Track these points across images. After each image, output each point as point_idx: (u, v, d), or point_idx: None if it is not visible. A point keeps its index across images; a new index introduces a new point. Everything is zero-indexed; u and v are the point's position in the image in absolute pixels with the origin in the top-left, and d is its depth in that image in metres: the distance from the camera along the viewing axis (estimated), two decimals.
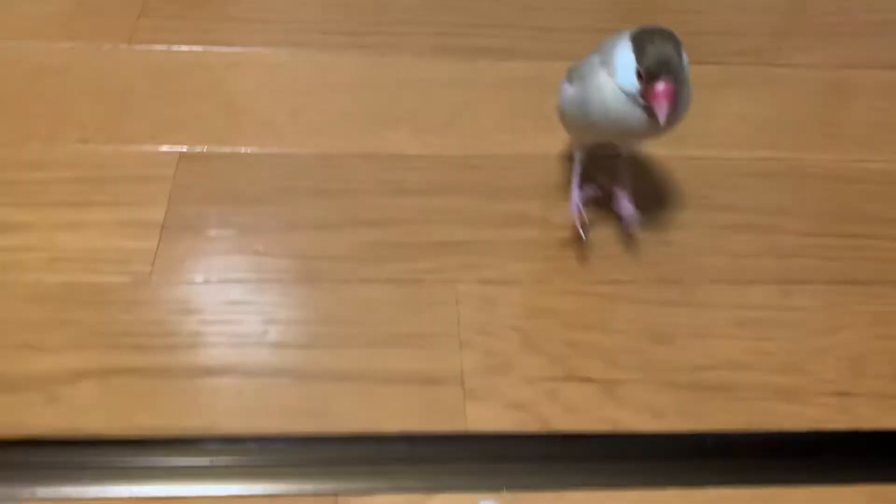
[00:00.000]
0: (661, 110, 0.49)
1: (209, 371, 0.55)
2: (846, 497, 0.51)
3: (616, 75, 0.51)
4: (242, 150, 0.69)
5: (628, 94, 0.51)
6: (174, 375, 0.54)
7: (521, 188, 0.67)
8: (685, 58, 0.50)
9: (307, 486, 0.50)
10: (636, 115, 0.51)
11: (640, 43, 0.50)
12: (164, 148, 0.68)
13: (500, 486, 0.50)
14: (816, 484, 0.52)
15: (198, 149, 0.68)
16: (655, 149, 0.70)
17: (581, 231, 0.60)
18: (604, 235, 0.64)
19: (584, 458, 0.52)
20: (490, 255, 0.62)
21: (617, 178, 0.63)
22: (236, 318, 0.57)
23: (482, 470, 0.51)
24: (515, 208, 0.66)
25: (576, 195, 0.60)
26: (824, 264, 0.64)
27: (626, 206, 0.61)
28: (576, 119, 0.58)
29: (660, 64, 0.48)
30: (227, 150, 0.68)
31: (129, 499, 0.48)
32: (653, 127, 0.51)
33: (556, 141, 0.70)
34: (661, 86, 0.48)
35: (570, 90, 0.57)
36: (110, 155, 0.67)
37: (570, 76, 0.58)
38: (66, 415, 0.52)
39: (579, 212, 0.60)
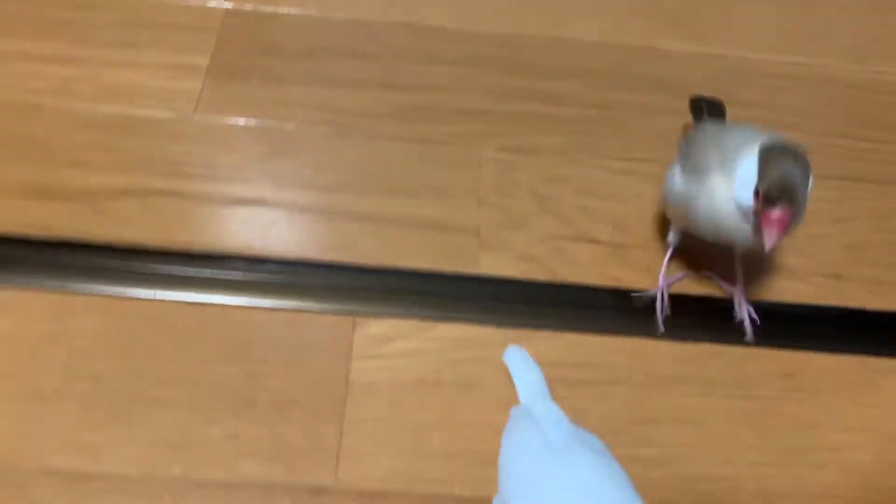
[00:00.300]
0: (770, 237, 0.44)
1: (244, 201, 0.58)
2: (835, 364, 0.55)
3: (734, 186, 0.47)
4: (284, 10, 0.71)
5: (741, 209, 0.47)
6: (211, 202, 0.58)
7: (554, 68, 0.70)
8: (810, 182, 0.46)
9: (329, 306, 0.54)
10: (743, 229, 0.48)
11: (768, 160, 0.45)
12: (212, 3, 0.71)
13: (503, 323, 0.54)
14: (808, 350, 0.55)
15: (243, 7, 0.71)
16: (677, 44, 0.72)
17: (660, 317, 0.55)
18: (622, 116, 0.67)
19: (585, 306, 0.56)
20: (514, 126, 0.65)
21: (733, 272, 0.57)
22: (272, 159, 0.61)
23: (487, 307, 0.55)
24: (546, 86, 0.68)
25: (662, 280, 0.56)
26: (837, 162, 0.66)
27: (745, 311, 0.55)
28: (678, 211, 0.53)
29: (782, 190, 0.44)
30: (270, 9, 0.71)
31: (165, 302, 0.53)
32: (757, 245, 0.47)
33: (593, 29, 0.72)
34: (776, 213, 0.44)
35: (678, 181, 0.52)
36: (161, 5, 0.70)
37: (683, 163, 0.52)
38: (109, 226, 0.56)
39: (662, 299, 0.55)
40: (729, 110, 0.66)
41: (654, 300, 0.56)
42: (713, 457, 0.50)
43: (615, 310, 0.56)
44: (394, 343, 0.53)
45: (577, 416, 0.51)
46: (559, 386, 0.52)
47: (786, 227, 0.44)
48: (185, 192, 0.58)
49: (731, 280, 0.57)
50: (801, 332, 0.56)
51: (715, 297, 0.57)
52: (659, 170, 0.63)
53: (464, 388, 0.51)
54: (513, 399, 0.51)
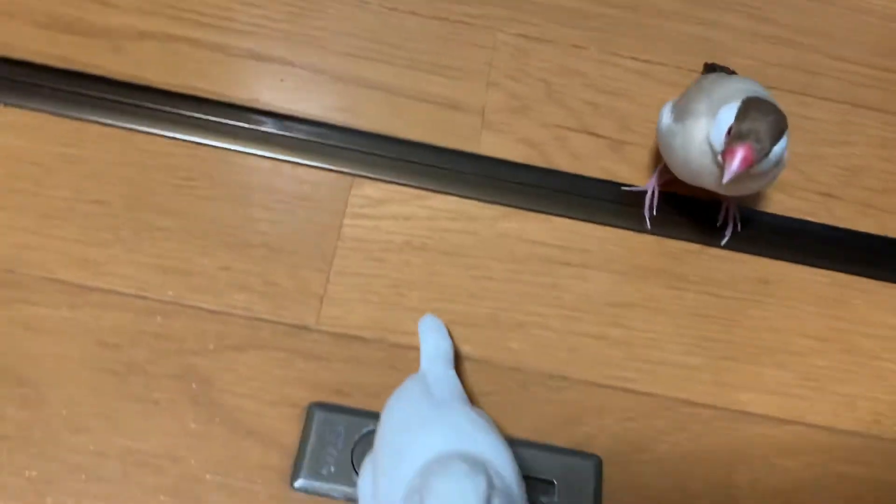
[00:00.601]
0: (729, 169, 0.45)
1: (260, 56, 0.60)
2: (810, 277, 0.56)
3: (712, 130, 0.48)
4: None
5: (713, 151, 0.48)
6: (228, 53, 0.59)
7: None
8: (784, 139, 0.47)
9: (330, 164, 0.56)
10: (712, 171, 0.49)
11: (748, 107, 0.46)
12: None
13: (495, 201, 0.56)
14: (786, 261, 0.57)
15: None
16: None
17: (647, 212, 0.57)
18: (648, 19, 0.67)
19: (577, 194, 0.57)
20: (535, 15, 0.65)
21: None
22: (292, 19, 0.62)
23: (482, 185, 0.57)
24: None
25: (655, 178, 0.57)
26: (848, 87, 0.66)
27: (730, 216, 0.57)
28: (663, 149, 0.54)
29: (751, 130, 0.45)
30: None
31: (173, 140, 0.55)
32: (721, 186, 0.48)
33: None
34: (741, 148, 0.45)
35: (667, 120, 0.53)
36: None
37: (676, 102, 0.54)
38: (127, 64, 0.58)
39: (652, 196, 0.57)
40: (753, 24, 0.66)
41: (643, 196, 0.57)
42: (676, 345, 0.52)
43: (605, 201, 0.57)
44: (387, 206, 0.55)
45: (555, 294, 0.53)
46: (541, 264, 0.54)
47: (747, 163, 0.45)
48: (203, 40, 0.59)
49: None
50: (784, 243, 0.57)
51: (703, 199, 0.58)
52: (674, 76, 0.64)
53: (446, 254, 0.54)
54: (493, 269, 0.53)
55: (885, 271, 0.57)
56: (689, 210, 0.58)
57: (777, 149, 0.46)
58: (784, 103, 0.63)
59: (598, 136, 0.61)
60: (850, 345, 0.54)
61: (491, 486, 0.33)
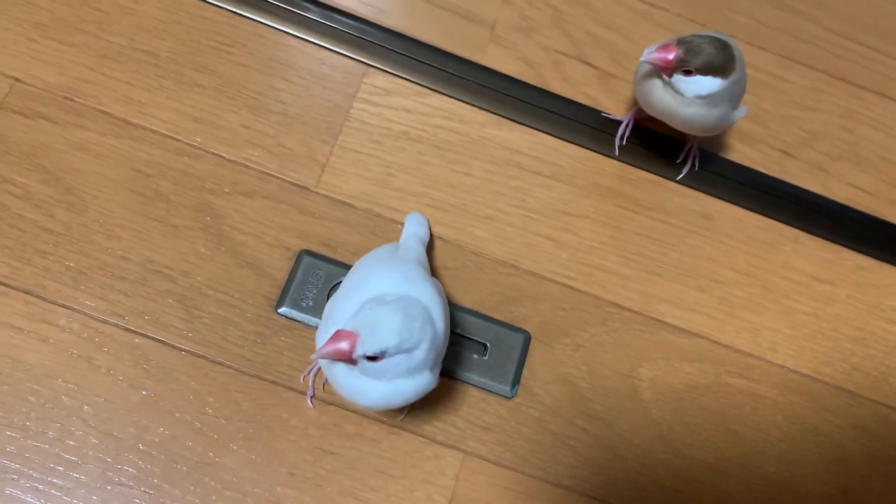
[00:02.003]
0: (648, 53, 0.53)
1: None
2: (748, 219, 0.64)
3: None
4: None
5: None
6: None
7: None
8: (717, 81, 0.53)
9: (350, 52, 0.64)
10: (657, 88, 0.56)
11: (703, 36, 0.53)
12: None
13: (489, 108, 0.64)
14: (730, 202, 0.65)
15: None
16: None
17: (617, 140, 0.64)
18: None
19: (560, 115, 0.65)
20: None
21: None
22: None
23: (479, 92, 0.64)
24: None
25: (632, 113, 0.63)
26: (829, 58, 0.72)
27: (690, 156, 0.64)
28: (635, 82, 0.60)
29: (688, 45, 0.52)
30: None
31: (217, 7, 0.63)
32: (670, 105, 0.56)
33: None
34: (668, 48, 0.52)
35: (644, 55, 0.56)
36: None
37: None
38: None
39: (626, 126, 0.63)
40: None
41: (618, 125, 0.65)
42: (616, 256, 0.61)
43: (584, 125, 0.65)
44: (393, 97, 0.63)
45: (521, 197, 0.62)
46: (515, 169, 0.62)
47: (664, 61, 0.52)
48: None
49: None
50: (733, 187, 0.65)
51: (671, 137, 0.65)
52: (673, 22, 0.70)
53: (438, 148, 0.62)
54: (473, 167, 0.62)
55: (816, 227, 0.65)
56: (657, 145, 0.65)
57: (703, 82, 0.53)
58: (765, 62, 0.70)
59: (591, 65, 0.68)
60: (767, 283, 0.63)
61: (416, 329, 0.43)
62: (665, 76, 0.55)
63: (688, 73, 0.53)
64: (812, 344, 0.61)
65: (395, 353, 0.43)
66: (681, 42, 0.53)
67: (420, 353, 0.44)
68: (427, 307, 0.44)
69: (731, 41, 0.56)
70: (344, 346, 0.42)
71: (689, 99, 0.55)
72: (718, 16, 0.72)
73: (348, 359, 0.42)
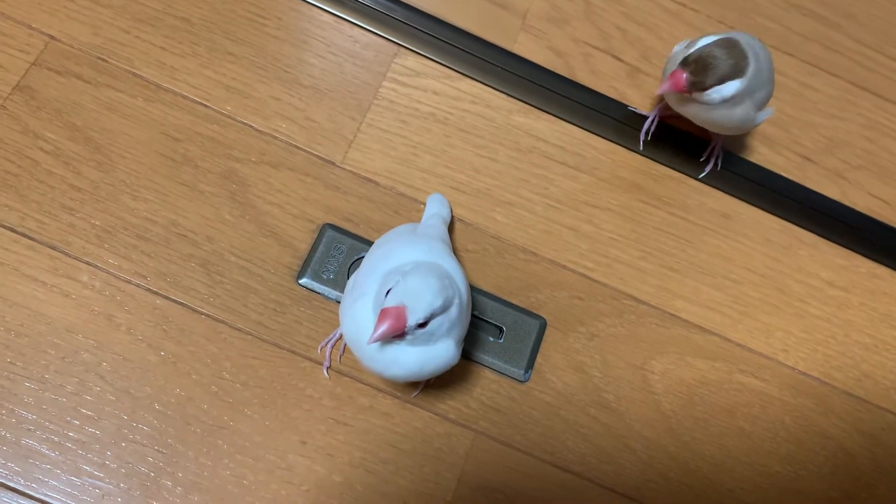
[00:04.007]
0: (663, 85, 0.54)
1: None
2: (767, 221, 0.65)
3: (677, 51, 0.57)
4: None
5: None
6: None
7: None
8: (733, 84, 0.53)
9: (383, 31, 0.64)
10: (682, 97, 0.56)
11: (715, 44, 0.53)
12: None
13: (516, 96, 0.64)
14: (750, 204, 0.65)
15: None
16: None
17: (642, 135, 0.64)
18: None
19: (587, 106, 0.65)
20: None
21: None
22: None
23: (508, 79, 0.65)
24: None
25: (657, 109, 0.64)
26: (856, 69, 0.72)
27: (714, 155, 0.65)
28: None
29: (697, 62, 0.52)
30: None
31: None
32: (697, 112, 0.56)
33: None
34: (676, 73, 0.53)
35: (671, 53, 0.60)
36: None
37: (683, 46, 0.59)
38: None
39: (652, 122, 0.64)
40: None
41: (644, 120, 0.65)
42: (635, 250, 0.61)
43: (610, 117, 0.65)
44: (422, 79, 0.64)
45: (544, 185, 0.62)
46: (539, 157, 0.63)
47: (676, 87, 0.53)
48: None
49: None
50: (753, 188, 0.66)
51: (695, 136, 0.66)
52: (702, 22, 0.71)
53: (463, 131, 0.62)
54: (498, 153, 0.62)
55: (834, 233, 0.65)
56: (681, 143, 0.66)
57: (724, 88, 0.53)
58: (792, 69, 0.70)
59: (619, 59, 0.68)
60: (783, 285, 0.63)
61: (448, 286, 0.43)
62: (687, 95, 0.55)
63: (705, 88, 0.54)
64: (824, 348, 0.61)
65: (441, 313, 0.43)
66: (686, 64, 0.53)
67: (455, 309, 0.44)
68: (447, 270, 0.45)
69: (741, 36, 0.56)
70: (397, 321, 0.42)
71: (713, 105, 0.56)
72: (746, 19, 0.73)
73: (401, 332, 0.43)
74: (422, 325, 0.43)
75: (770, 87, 0.57)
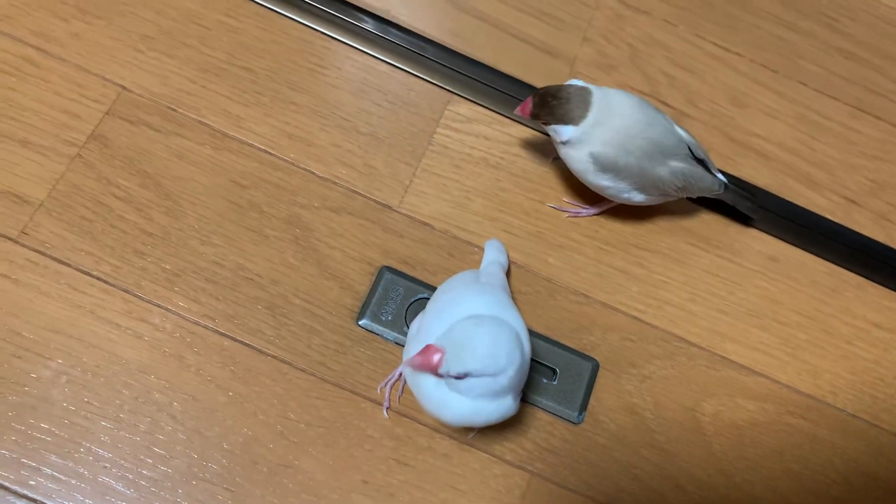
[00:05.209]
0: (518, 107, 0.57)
1: None
2: (814, 264, 0.66)
3: None
4: None
5: None
6: None
7: None
8: (589, 112, 0.55)
9: (436, 80, 0.66)
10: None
11: (568, 83, 0.57)
12: None
13: None
14: (797, 247, 0.66)
15: None
16: None
17: None
18: (741, 13, 0.74)
19: None
20: None
21: None
22: None
23: None
24: None
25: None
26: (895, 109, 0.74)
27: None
28: None
29: (540, 91, 0.56)
30: None
31: (311, 29, 0.66)
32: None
33: None
34: (528, 98, 0.56)
35: None
36: None
37: None
38: None
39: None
40: (830, 35, 0.73)
41: None
42: (684, 292, 0.63)
43: None
44: (474, 125, 0.66)
45: (595, 229, 0.63)
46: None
47: (524, 109, 0.56)
48: None
49: None
50: (800, 231, 0.67)
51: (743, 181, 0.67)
52: (746, 67, 0.72)
53: (514, 175, 0.64)
54: (546, 189, 0.64)
55: (880, 276, 0.66)
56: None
57: (561, 130, 0.56)
58: (836, 112, 0.72)
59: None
60: (830, 327, 0.64)
61: (501, 348, 0.45)
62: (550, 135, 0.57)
63: (544, 122, 0.56)
64: (872, 390, 0.62)
65: (480, 375, 0.45)
66: (535, 93, 0.56)
67: (504, 379, 0.45)
68: (518, 332, 0.46)
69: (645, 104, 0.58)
70: (432, 360, 0.44)
71: (561, 143, 0.57)
72: (789, 63, 0.74)
73: (434, 372, 0.44)
74: (457, 377, 0.44)
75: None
